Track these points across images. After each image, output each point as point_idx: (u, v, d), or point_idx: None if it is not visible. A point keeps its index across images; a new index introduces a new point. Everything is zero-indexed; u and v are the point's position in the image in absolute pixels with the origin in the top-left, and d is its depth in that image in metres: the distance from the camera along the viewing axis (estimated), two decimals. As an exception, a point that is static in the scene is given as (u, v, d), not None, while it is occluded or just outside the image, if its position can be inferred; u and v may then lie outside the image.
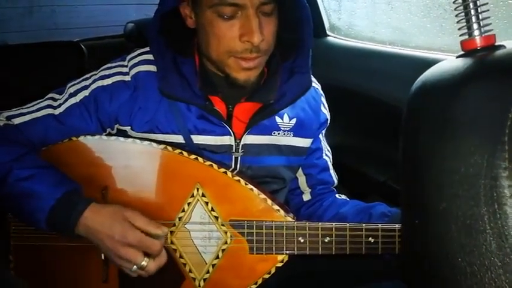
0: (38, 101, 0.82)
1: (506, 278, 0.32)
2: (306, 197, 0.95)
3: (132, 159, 0.78)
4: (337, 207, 0.90)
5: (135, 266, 0.69)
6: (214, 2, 0.70)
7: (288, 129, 0.86)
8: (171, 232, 0.76)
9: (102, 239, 0.70)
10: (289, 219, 0.76)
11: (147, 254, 0.70)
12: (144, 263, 0.69)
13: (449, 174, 0.36)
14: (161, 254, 0.72)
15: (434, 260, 0.38)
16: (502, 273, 0.33)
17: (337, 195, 0.94)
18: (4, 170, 0.72)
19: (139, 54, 0.83)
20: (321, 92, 0.95)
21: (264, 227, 0.75)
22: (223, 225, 0.76)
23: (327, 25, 1.59)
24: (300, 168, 0.94)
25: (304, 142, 0.90)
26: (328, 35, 1.60)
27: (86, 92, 0.80)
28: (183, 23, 0.78)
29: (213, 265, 0.76)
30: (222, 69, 0.76)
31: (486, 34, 0.42)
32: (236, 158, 0.82)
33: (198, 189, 0.76)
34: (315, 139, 0.93)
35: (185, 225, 0.76)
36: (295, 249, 0.75)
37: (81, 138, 0.79)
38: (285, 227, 0.75)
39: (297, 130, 0.87)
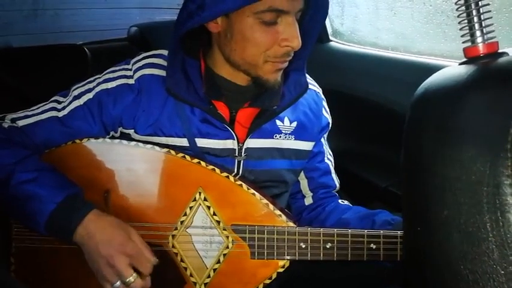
0: (43, 103, 0.82)
1: (509, 286, 0.32)
2: (308, 201, 0.95)
3: (135, 162, 0.78)
4: (340, 213, 0.89)
5: (118, 282, 0.69)
6: (261, 8, 0.70)
7: (289, 132, 0.87)
8: (173, 236, 0.76)
9: (98, 244, 0.69)
10: (291, 224, 0.76)
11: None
12: (131, 278, 0.68)
13: (452, 182, 0.36)
14: (148, 278, 0.71)
15: (436, 267, 0.37)
16: (504, 281, 0.32)
17: (339, 201, 0.94)
18: (7, 172, 0.72)
19: (143, 58, 0.83)
20: (322, 96, 0.95)
21: (265, 232, 0.75)
22: (224, 229, 0.76)
23: (329, 30, 1.60)
24: (302, 172, 0.94)
25: (306, 145, 0.90)
26: (331, 40, 1.60)
27: (90, 95, 0.81)
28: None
29: (214, 270, 0.76)
30: (254, 73, 0.77)
31: (489, 41, 0.42)
32: (239, 162, 0.83)
33: (200, 193, 0.76)
34: (317, 142, 0.93)
35: (187, 229, 0.76)
36: (297, 254, 0.75)
37: (85, 141, 0.79)
38: (286, 233, 0.75)
39: (298, 133, 0.88)
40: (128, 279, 0.68)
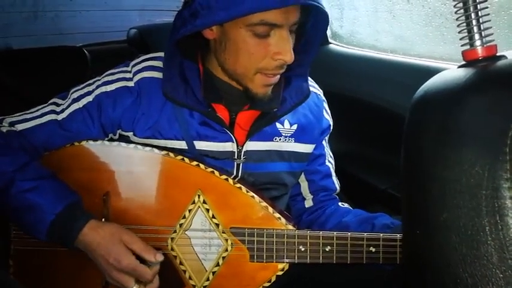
0: (41, 106, 0.82)
1: (508, 290, 0.32)
2: (308, 203, 0.95)
3: (134, 164, 0.78)
4: (340, 216, 0.89)
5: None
6: (253, 21, 0.69)
7: (289, 135, 0.86)
8: (172, 239, 0.76)
9: (97, 258, 0.71)
10: (290, 227, 0.76)
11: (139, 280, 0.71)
12: (135, 287, 0.71)
13: (451, 185, 0.36)
14: (154, 281, 0.72)
15: (435, 270, 0.37)
16: (503, 285, 0.32)
17: (340, 204, 0.94)
18: (7, 181, 0.72)
19: (143, 61, 0.83)
20: (323, 98, 0.95)
21: (264, 234, 0.75)
22: (224, 232, 0.76)
23: (329, 33, 1.60)
24: (303, 174, 0.94)
25: (306, 148, 0.90)
26: (330, 43, 1.60)
27: (89, 98, 0.81)
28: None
29: (213, 272, 0.76)
30: (244, 84, 0.77)
31: (487, 44, 0.42)
32: (238, 165, 0.82)
33: (199, 196, 0.76)
34: (318, 145, 0.93)
35: (186, 232, 0.76)
36: (296, 257, 0.75)
37: (84, 143, 0.79)
38: (285, 235, 0.75)
39: (298, 136, 0.88)
40: None
